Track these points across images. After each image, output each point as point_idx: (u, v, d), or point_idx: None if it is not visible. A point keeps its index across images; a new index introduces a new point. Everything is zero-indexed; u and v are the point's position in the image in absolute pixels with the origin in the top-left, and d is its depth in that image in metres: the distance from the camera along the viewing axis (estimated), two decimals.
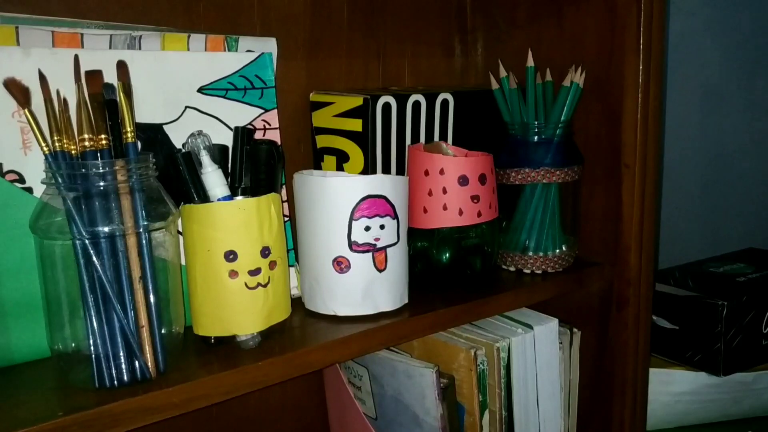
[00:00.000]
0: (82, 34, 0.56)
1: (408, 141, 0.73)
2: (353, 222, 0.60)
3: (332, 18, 0.77)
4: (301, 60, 0.75)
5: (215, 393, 0.52)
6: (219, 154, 0.58)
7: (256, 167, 0.59)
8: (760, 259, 1.13)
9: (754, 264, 1.10)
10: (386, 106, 0.70)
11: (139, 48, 0.59)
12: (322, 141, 0.74)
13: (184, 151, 0.57)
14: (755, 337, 0.99)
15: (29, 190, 0.54)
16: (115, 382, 0.49)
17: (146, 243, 0.50)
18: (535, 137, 0.74)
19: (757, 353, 0.99)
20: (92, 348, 0.49)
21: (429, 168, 0.66)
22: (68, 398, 0.48)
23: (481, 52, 0.89)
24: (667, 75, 1.22)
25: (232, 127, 0.62)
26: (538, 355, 0.74)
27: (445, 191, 0.66)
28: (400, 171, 0.73)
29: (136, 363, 0.50)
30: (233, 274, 0.55)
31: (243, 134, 0.59)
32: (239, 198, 0.57)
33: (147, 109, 0.59)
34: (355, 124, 0.70)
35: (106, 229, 0.49)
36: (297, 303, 0.64)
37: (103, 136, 0.50)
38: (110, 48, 0.58)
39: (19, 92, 0.49)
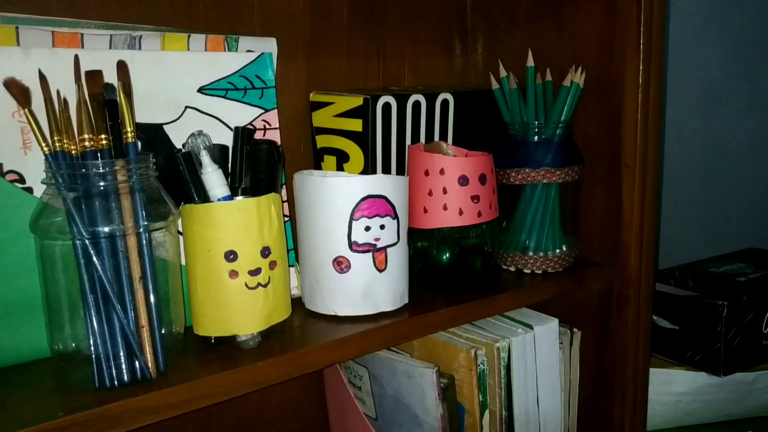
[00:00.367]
0: (82, 34, 0.56)
1: (408, 141, 0.73)
2: (353, 222, 0.60)
3: (332, 18, 0.77)
4: (301, 60, 0.75)
5: (215, 393, 0.52)
6: (219, 154, 0.58)
7: (256, 167, 0.59)
8: (760, 259, 1.13)
9: (754, 264, 1.10)
10: (386, 106, 0.70)
11: (139, 48, 0.59)
12: (322, 141, 0.74)
13: (184, 151, 0.56)
14: (755, 337, 0.99)
15: (29, 190, 0.54)
16: (116, 382, 0.49)
17: (146, 243, 0.50)
18: (535, 137, 0.74)
19: (758, 353, 0.99)
20: (92, 348, 0.49)
21: (429, 168, 0.66)
22: (68, 398, 0.48)
23: (481, 52, 0.89)
24: (667, 75, 1.22)
25: (232, 127, 0.62)
26: (538, 355, 0.74)
27: (445, 191, 0.66)
28: (401, 171, 0.73)
29: (137, 363, 0.50)
30: (233, 274, 0.55)
31: (243, 134, 0.59)
32: (239, 198, 0.57)
33: (147, 109, 0.59)
34: (355, 124, 0.70)
35: (107, 229, 0.49)
36: (297, 303, 0.64)
37: (103, 136, 0.50)
38: (110, 48, 0.58)
39: (19, 92, 0.49)
